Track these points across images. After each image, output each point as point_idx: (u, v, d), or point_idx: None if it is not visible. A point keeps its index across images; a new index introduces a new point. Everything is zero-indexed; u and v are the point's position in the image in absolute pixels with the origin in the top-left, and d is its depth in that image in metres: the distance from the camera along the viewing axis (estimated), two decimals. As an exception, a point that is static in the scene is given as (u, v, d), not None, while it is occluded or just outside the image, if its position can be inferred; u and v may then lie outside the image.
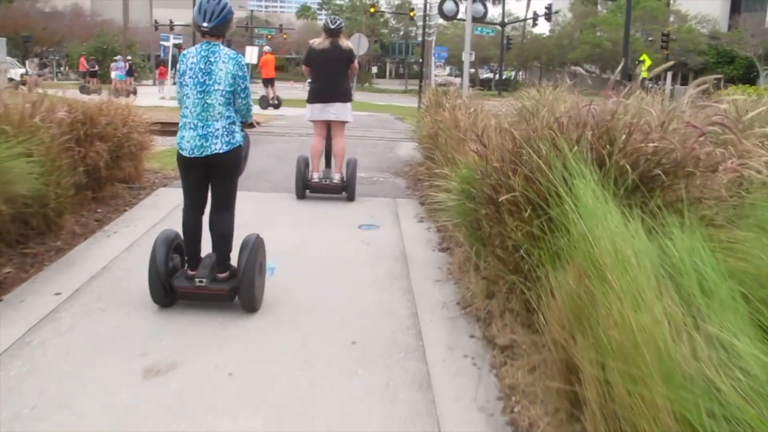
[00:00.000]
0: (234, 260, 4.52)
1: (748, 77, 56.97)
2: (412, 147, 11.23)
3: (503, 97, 47.42)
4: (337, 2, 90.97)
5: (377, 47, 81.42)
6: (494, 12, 76.93)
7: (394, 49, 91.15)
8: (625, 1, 61.35)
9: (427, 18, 21.16)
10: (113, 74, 31.66)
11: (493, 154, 4.35)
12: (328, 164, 8.17)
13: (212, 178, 4.42)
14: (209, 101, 4.23)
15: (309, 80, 8.05)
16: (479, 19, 17.48)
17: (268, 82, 22.81)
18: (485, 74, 73.90)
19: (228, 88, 4.27)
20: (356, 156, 8.84)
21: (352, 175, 7.97)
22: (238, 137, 4.40)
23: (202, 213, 4.54)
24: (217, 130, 4.25)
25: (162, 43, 30.58)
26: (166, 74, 31.08)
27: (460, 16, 19.43)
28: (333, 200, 8.27)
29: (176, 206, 7.61)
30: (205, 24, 4.22)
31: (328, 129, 7.94)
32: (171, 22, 58.73)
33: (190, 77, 4.25)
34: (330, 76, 7.73)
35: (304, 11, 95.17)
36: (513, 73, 69.23)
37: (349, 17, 74.16)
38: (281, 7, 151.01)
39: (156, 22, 60.70)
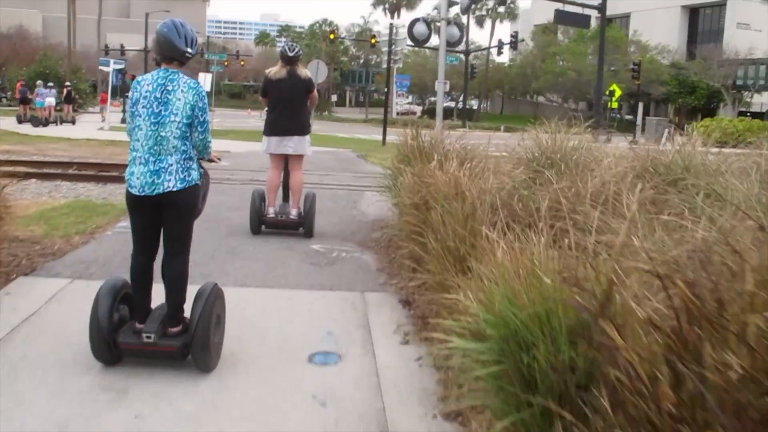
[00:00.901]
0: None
1: (708, 107, 56.22)
2: (382, 200, 8.66)
3: (470, 128, 45.54)
4: (297, 30, 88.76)
5: (337, 75, 79.20)
6: (455, 40, 75.66)
7: (354, 77, 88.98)
8: (586, 31, 60.45)
9: (393, 43, 18.79)
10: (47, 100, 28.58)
11: (626, 352, 1.73)
12: (285, 198, 7.65)
13: (165, 220, 3.97)
14: (163, 134, 3.84)
15: (266, 110, 7.52)
16: (453, 45, 15.13)
17: None
18: (445, 102, 72.15)
19: (185, 120, 3.87)
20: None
21: (310, 210, 7.48)
22: (195, 174, 3.97)
23: (152, 259, 4.10)
24: (171, 165, 3.85)
25: (101, 68, 27.52)
26: (106, 100, 28.23)
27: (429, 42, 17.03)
28: (273, 285, 5.66)
29: (32, 315, 4.89)
30: (189, 50, 3.96)
31: (286, 162, 7.48)
32: (122, 46, 55.68)
33: (143, 107, 3.86)
34: (287, 107, 7.25)
35: (262, 38, 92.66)
36: (474, 102, 67.53)
37: (309, 44, 71.81)
38: (240, 33, 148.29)
39: (106, 46, 57.56)
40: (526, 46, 59.80)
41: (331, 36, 45.33)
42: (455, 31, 15.11)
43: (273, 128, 7.34)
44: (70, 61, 42.78)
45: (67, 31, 43.99)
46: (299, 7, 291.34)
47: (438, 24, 15.17)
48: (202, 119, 3.95)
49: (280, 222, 7.49)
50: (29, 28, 61.02)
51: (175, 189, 3.83)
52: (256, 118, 54.39)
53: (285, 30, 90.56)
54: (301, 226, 7.49)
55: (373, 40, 42.05)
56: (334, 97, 77.32)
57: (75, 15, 49.27)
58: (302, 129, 7.37)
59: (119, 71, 32.24)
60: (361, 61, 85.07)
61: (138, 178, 3.83)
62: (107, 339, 3.86)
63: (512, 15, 58.05)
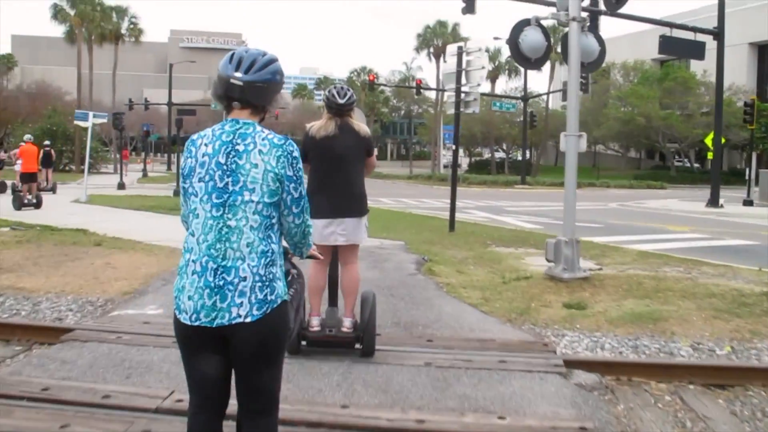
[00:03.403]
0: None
1: (794, 154, 48.85)
2: None
3: (531, 185, 38.31)
4: (336, 81, 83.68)
5: (377, 127, 73.60)
6: (508, 86, 68.71)
7: (395, 128, 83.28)
8: (654, 70, 53.43)
9: (463, 76, 12.17)
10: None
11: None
12: (333, 302, 5.07)
13: (237, 362, 2.38)
14: (232, 223, 2.32)
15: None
16: (590, 66, 8.37)
17: (28, 178, 17.33)
18: (487, 154, 65.32)
19: (267, 199, 2.36)
20: None
21: (370, 319, 4.82)
22: (281, 288, 2.38)
23: (221, 417, 2.47)
24: (244, 279, 2.29)
25: (77, 122, 21.25)
26: (127, 156, 21.94)
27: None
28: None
29: None
30: (237, 75, 2.36)
31: (334, 253, 4.99)
32: (146, 100, 50.43)
33: (200, 179, 2.36)
34: (338, 176, 4.84)
35: (299, 90, 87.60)
36: (526, 154, 60.54)
37: (347, 95, 66.17)
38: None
39: (130, 100, 52.44)
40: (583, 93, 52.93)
41: (370, 78, 38.73)
42: (592, 44, 8.26)
43: (318, 208, 4.47)
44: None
45: (77, 83, 38.44)
46: (338, 60, 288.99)
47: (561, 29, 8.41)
48: (296, 195, 2.42)
49: (329, 338, 4.84)
50: (58, 84, 55.87)
51: (249, 319, 2.26)
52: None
53: (323, 82, 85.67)
54: (358, 342, 4.83)
55: (418, 82, 35.57)
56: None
57: (92, 68, 44.10)
58: (359, 208, 4.89)
59: (116, 125, 26.43)
60: (402, 112, 79.47)
61: (190, 298, 2.28)
62: None
63: (575, 55, 51.09)
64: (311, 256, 2.77)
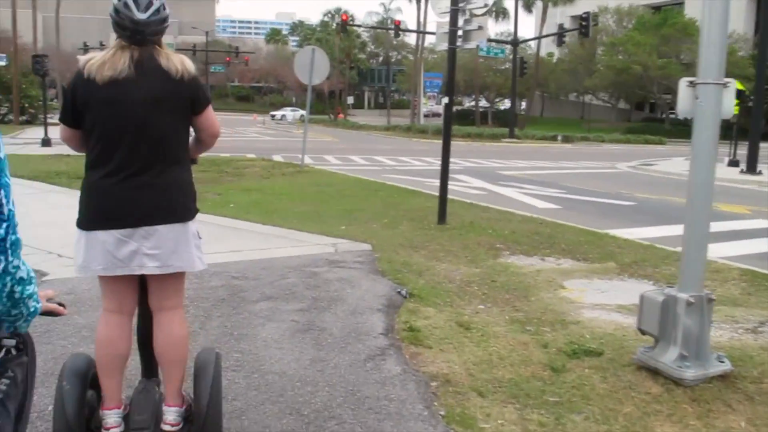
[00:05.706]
0: None
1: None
2: None
3: (519, 138, 34.48)
4: (312, 26, 78.49)
5: (354, 74, 68.92)
6: (492, 31, 64.28)
7: (372, 76, 78.58)
8: (650, 17, 49.33)
9: (465, 11, 8.57)
10: None
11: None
12: (149, 372, 2.81)
13: None
14: None
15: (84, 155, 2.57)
16: None
17: None
18: (469, 103, 61.26)
19: None
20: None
21: (211, 399, 2.57)
22: None
23: None
24: None
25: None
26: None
27: None
28: None
29: None
30: None
31: (143, 291, 2.70)
32: (101, 44, 45.57)
33: None
34: (140, 152, 2.51)
35: (273, 35, 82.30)
36: (509, 103, 56.71)
37: (320, 38, 61.24)
38: (255, 32, 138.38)
39: (85, 44, 47.59)
40: (573, 38, 48.73)
41: (343, 18, 34.17)
42: None
43: (102, 210, 2.53)
44: (16, 63, 32.49)
45: (12, 24, 33.69)
46: (315, 5, 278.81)
47: None
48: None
49: None
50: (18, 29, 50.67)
51: None
52: (261, 127, 44.02)
53: (297, 26, 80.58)
54: None
55: (397, 23, 31.38)
56: (350, 99, 66.34)
57: (36, 8, 39.18)
58: (180, 206, 2.60)
59: (36, 70, 22.46)
60: (381, 58, 74.79)
61: None
62: None
63: (570, -3, 46.51)
64: (49, 313, 1.52)
